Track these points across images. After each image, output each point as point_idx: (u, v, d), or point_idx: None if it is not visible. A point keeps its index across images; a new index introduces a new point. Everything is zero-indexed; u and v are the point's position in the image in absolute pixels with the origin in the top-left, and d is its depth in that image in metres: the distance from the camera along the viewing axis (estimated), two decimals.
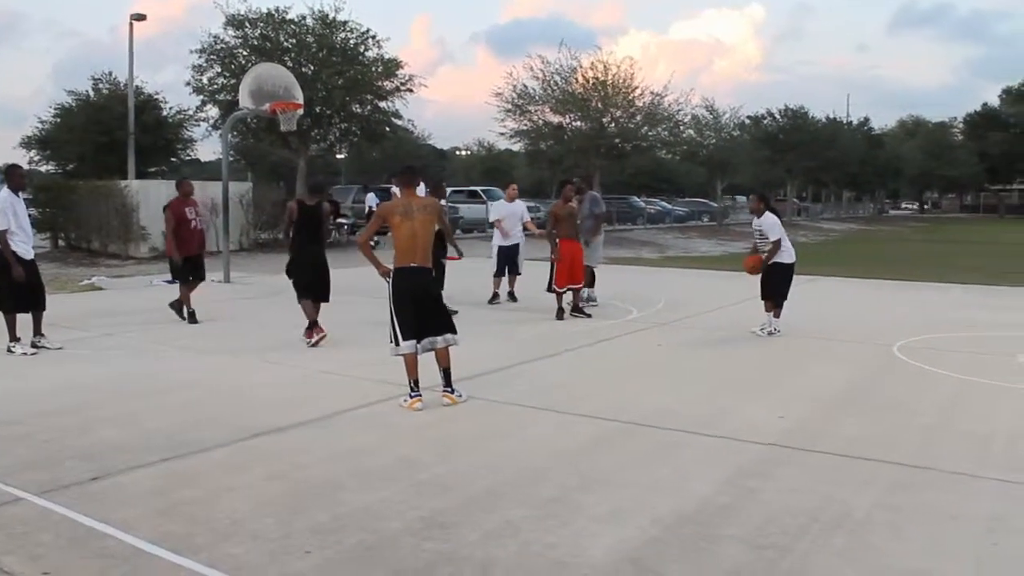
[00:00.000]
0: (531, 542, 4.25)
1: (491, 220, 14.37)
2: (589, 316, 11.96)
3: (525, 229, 14.07)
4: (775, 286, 10.59)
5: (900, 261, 24.00)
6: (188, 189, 11.95)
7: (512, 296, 13.84)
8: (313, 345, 9.65)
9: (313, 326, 9.86)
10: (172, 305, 11.58)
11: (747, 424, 6.46)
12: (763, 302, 10.73)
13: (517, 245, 13.83)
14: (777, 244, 10.47)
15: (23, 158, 29.85)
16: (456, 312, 10.42)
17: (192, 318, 11.43)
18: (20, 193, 9.35)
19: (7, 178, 9.34)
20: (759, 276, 10.72)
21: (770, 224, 10.55)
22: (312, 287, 10.01)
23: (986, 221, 65.99)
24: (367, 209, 29.12)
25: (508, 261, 13.76)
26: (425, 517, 4.55)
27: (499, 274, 13.75)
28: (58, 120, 30.34)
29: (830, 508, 4.73)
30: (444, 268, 11.62)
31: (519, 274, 13.94)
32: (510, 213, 13.94)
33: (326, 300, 10.15)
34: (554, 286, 11.93)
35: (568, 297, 12.01)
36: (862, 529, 4.46)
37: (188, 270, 11.61)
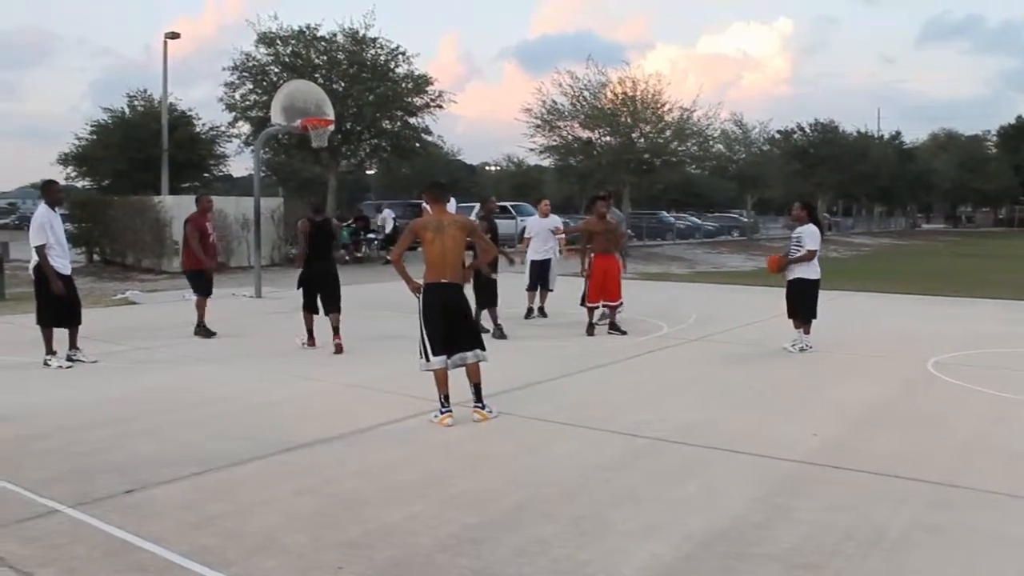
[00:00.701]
0: (562, 559, 4.22)
1: (526, 236, 14.32)
2: (624, 333, 11.84)
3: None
4: (801, 304, 10.48)
5: (933, 276, 23.72)
6: (208, 205, 12.10)
7: (542, 312, 13.75)
8: (307, 346, 10.48)
9: (311, 336, 10.54)
10: (197, 332, 11.59)
11: (779, 441, 6.40)
12: (791, 320, 10.63)
13: (549, 260, 13.70)
14: (810, 255, 10.36)
15: (60, 174, 30.31)
16: (487, 332, 10.56)
17: (206, 332, 11.52)
18: (57, 208, 9.48)
19: (44, 193, 9.47)
20: (784, 293, 10.64)
21: (809, 233, 10.40)
22: (322, 300, 10.49)
23: (1021, 235, 65.12)
24: (388, 225, 28.61)
25: (540, 276, 13.69)
26: (456, 533, 4.54)
27: (532, 288, 13.68)
28: (94, 137, 30.79)
29: (865, 527, 4.67)
30: (496, 284, 11.67)
31: (551, 290, 13.85)
32: (541, 229, 13.88)
33: (337, 311, 10.45)
34: (587, 301, 11.94)
35: (601, 313, 11.97)
36: (898, 549, 4.40)
37: (205, 283, 11.73)
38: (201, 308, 11.63)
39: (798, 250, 10.43)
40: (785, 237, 11.14)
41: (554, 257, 13.84)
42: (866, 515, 4.84)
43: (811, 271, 10.45)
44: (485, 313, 11.62)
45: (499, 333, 11.39)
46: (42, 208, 9.30)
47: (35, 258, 9.24)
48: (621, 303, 12.20)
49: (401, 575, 4.07)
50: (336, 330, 10.29)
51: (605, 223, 12.05)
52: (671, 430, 6.68)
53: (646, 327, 12.58)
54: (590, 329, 11.81)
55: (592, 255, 12.00)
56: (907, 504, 5.06)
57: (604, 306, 11.93)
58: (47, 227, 9.15)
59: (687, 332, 12.18)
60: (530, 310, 13.64)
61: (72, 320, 9.52)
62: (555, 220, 14.21)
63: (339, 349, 10.18)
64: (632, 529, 4.62)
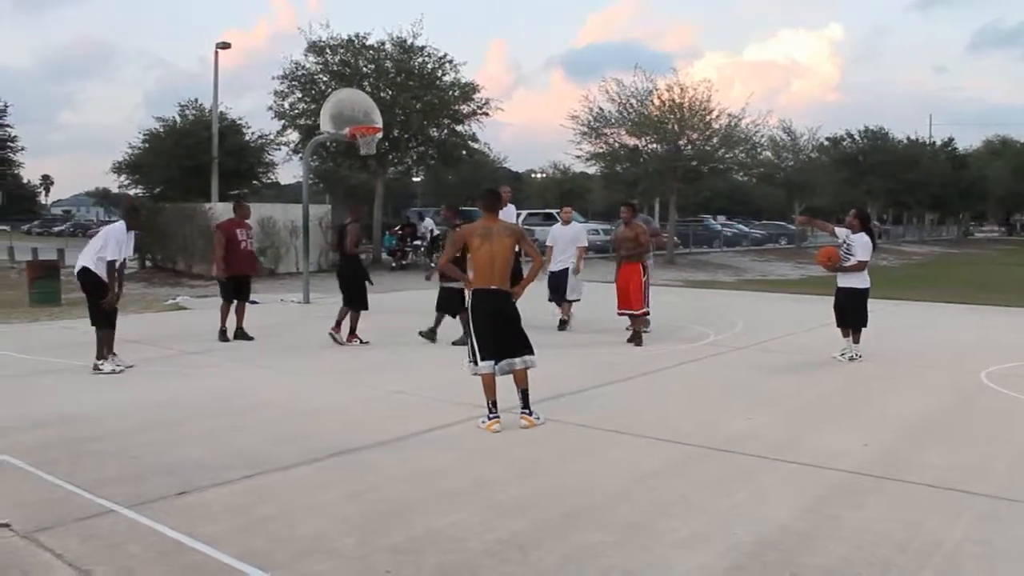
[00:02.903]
0: (610, 567, 4.21)
1: (548, 244, 13.66)
2: (638, 345, 11.48)
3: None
4: (851, 313, 10.35)
5: (986, 285, 23.30)
6: (245, 213, 12.29)
7: (561, 324, 13.10)
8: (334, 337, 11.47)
9: (338, 327, 11.54)
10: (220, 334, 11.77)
11: (829, 450, 6.32)
12: (839, 329, 10.50)
13: (565, 270, 13.10)
14: (860, 265, 10.22)
15: (114, 183, 30.86)
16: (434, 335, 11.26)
17: (223, 336, 11.65)
18: (132, 232, 9.65)
19: (128, 217, 9.65)
20: (833, 302, 10.53)
21: (861, 243, 10.23)
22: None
23: None
24: (426, 233, 28.28)
25: (554, 287, 13.24)
26: (503, 539, 4.55)
27: (552, 299, 13.26)
28: (147, 145, 31.31)
29: (918, 539, 4.60)
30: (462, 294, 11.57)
31: (569, 300, 13.17)
32: (560, 237, 13.40)
33: (356, 307, 11.70)
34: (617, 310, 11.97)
35: (642, 322, 11.90)
36: (952, 562, 4.32)
37: (233, 289, 11.86)
38: (223, 313, 11.78)
39: (848, 258, 10.29)
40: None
41: (571, 266, 13.08)
42: (918, 527, 4.77)
43: (861, 280, 10.31)
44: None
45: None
46: (121, 226, 9.49)
47: (82, 264, 9.43)
48: (645, 312, 11.97)
49: None
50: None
51: (626, 230, 12.00)
52: (718, 438, 6.63)
53: (693, 334, 12.50)
54: (633, 338, 11.71)
55: (619, 263, 12.02)
56: (961, 517, 4.97)
57: (622, 314, 11.88)
58: (122, 245, 9.36)
59: (734, 340, 12.09)
60: (562, 321, 13.11)
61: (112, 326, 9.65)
62: (576, 228, 13.71)
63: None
64: (680, 538, 4.60)
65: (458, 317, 10.94)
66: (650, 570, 4.18)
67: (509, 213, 12.95)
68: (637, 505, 5.12)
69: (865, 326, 10.37)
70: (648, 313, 12.16)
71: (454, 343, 11.04)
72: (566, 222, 13.74)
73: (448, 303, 11.33)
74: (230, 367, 9.84)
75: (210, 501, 5.15)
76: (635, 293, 11.76)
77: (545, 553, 4.37)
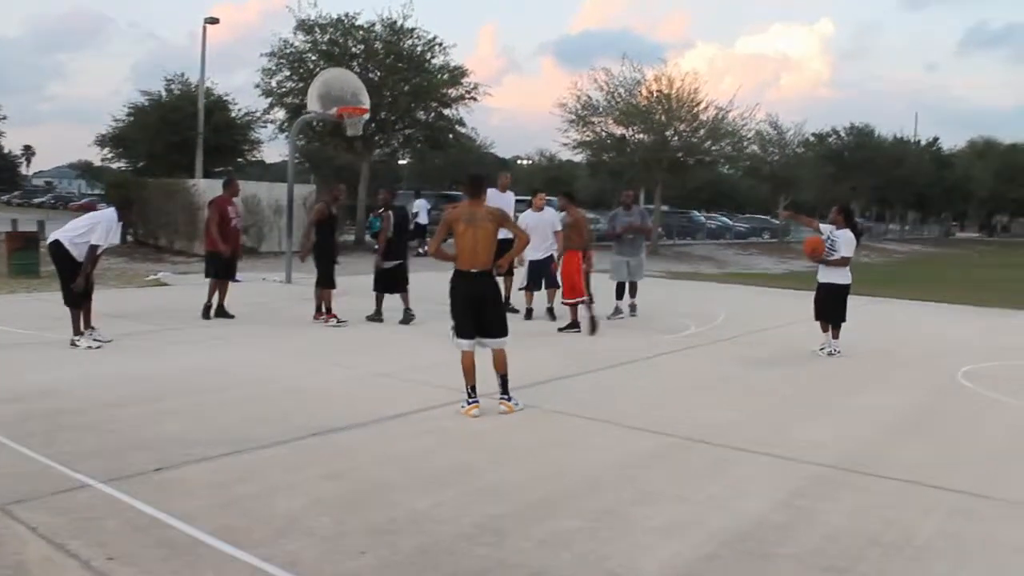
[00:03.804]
0: (585, 553, 4.24)
1: None
2: (575, 332, 11.57)
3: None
4: (831, 309, 10.41)
5: (966, 285, 23.47)
6: (235, 190, 12.24)
7: (550, 313, 12.91)
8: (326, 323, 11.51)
9: (319, 310, 11.75)
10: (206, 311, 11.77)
11: (806, 444, 6.37)
12: (818, 323, 10.57)
13: (550, 257, 12.65)
14: (843, 261, 10.29)
15: (97, 155, 30.62)
16: (517, 311, 11.72)
17: (207, 313, 11.63)
18: (121, 223, 9.57)
19: (118, 208, 9.57)
20: (813, 296, 10.60)
21: (846, 239, 10.31)
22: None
23: None
24: (422, 216, 28.15)
25: (539, 275, 12.87)
26: (479, 523, 4.56)
27: (529, 289, 12.89)
28: (131, 119, 31.05)
29: (891, 532, 4.65)
30: (406, 270, 12.05)
31: (558, 286, 12.59)
32: (537, 224, 12.51)
33: (321, 285, 11.82)
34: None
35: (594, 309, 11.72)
36: (924, 555, 4.37)
37: (223, 266, 11.82)
38: (211, 289, 11.74)
39: (832, 253, 10.35)
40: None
41: (554, 253, 12.63)
42: (892, 520, 4.82)
43: (843, 276, 10.38)
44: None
45: (407, 317, 11.85)
46: (111, 213, 9.42)
47: (55, 237, 9.36)
48: (581, 300, 11.77)
49: (425, 562, 4.10)
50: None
51: (568, 218, 12.13)
52: (696, 429, 6.67)
53: (674, 326, 12.55)
54: (587, 325, 11.56)
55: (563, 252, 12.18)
56: (933, 512, 5.03)
57: (567, 303, 11.97)
58: (108, 232, 9.29)
59: (715, 332, 12.15)
60: (529, 311, 12.86)
61: (87, 297, 9.58)
62: (550, 213, 13.13)
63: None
64: (655, 526, 4.63)
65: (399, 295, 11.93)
66: (624, 557, 4.21)
67: (507, 199, 12.90)
68: (614, 493, 5.15)
69: (844, 321, 10.44)
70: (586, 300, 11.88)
71: (400, 322, 11.67)
72: (538, 208, 13.09)
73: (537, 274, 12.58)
74: (211, 344, 9.80)
75: (187, 477, 5.14)
76: (573, 281, 11.84)
77: (521, 538, 4.39)
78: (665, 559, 4.21)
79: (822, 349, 10.40)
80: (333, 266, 11.90)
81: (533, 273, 12.91)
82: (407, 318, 11.78)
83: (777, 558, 4.26)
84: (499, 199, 12.08)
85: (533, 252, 12.41)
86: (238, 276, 12.70)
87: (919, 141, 67.88)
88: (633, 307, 13.46)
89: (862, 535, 4.58)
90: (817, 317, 10.57)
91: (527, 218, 12.84)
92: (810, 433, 6.73)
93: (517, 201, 15.07)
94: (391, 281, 11.90)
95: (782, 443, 6.37)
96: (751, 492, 5.26)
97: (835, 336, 10.41)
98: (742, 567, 4.16)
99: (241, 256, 12.56)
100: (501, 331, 7.18)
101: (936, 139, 71.02)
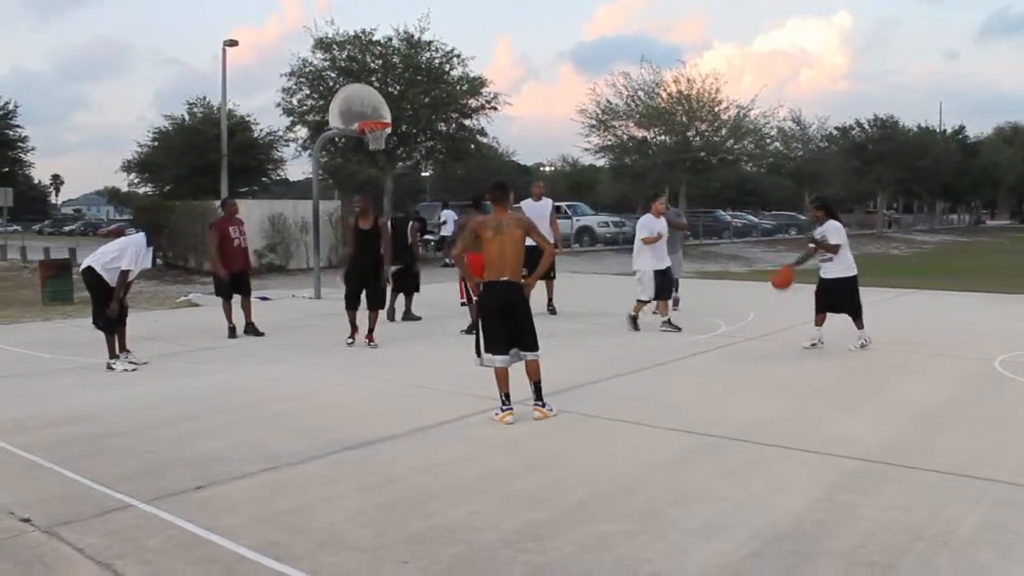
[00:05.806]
0: (626, 556, 4.23)
1: None
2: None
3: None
4: (846, 302, 10.34)
5: (998, 274, 23.18)
6: (233, 209, 12.34)
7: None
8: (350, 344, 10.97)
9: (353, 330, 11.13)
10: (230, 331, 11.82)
11: (843, 439, 6.32)
12: (816, 318, 10.49)
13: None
14: (834, 247, 10.25)
15: (123, 181, 31.05)
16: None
17: (232, 333, 11.69)
18: (151, 248, 9.68)
19: (151, 234, 9.66)
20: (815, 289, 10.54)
21: (833, 228, 10.34)
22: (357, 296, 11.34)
23: None
24: (448, 227, 28.36)
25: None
26: (519, 529, 4.57)
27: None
28: (156, 144, 31.42)
29: (934, 526, 4.60)
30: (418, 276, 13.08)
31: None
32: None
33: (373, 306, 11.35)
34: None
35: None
36: (969, 548, 4.33)
37: (231, 286, 11.89)
38: (226, 311, 11.83)
39: (825, 255, 10.40)
40: (849, 235, 10.84)
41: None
42: (934, 514, 4.77)
43: (848, 268, 10.36)
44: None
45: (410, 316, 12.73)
46: (140, 238, 9.55)
47: (87, 263, 9.48)
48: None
49: (466, 570, 4.12)
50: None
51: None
52: (732, 428, 6.64)
53: (705, 325, 12.50)
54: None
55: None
56: (978, 504, 4.97)
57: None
58: (138, 256, 9.40)
59: (746, 330, 12.09)
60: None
61: (121, 322, 9.69)
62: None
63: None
64: (695, 527, 4.61)
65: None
66: (665, 559, 4.20)
67: (543, 208, 12.94)
68: (652, 495, 5.14)
69: (860, 307, 10.36)
70: None
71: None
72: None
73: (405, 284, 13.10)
74: (243, 362, 9.88)
75: (228, 494, 5.19)
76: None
77: (562, 543, 4.39)
78: (707, 559, 4.20)
79: (812, 344, 10.35)
80: (358, 285, 11.19)
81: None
82: (406, 317, 12.86)
83: (819, 555, 4.23)
84: (534, 209, 12.19)
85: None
86: (266, 294, 12.82)
87: (944, 130, 67.21)
88: (676, 301, 13.49)
89: (904, 530, 4.54)
90: (819, 311, 10.49)
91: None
92: (847, 428, 6.68)
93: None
94: (399, 283, 12.95)
95: (819, 439, 6.33)
96: (790, 489, 5.23)
97: (860, 326, 10.31)
98: (785, 564, 4.14)
99: (252, 272, 12.66)
100: (535, 342, 7.14)
101: (962, 127, 70.25)
